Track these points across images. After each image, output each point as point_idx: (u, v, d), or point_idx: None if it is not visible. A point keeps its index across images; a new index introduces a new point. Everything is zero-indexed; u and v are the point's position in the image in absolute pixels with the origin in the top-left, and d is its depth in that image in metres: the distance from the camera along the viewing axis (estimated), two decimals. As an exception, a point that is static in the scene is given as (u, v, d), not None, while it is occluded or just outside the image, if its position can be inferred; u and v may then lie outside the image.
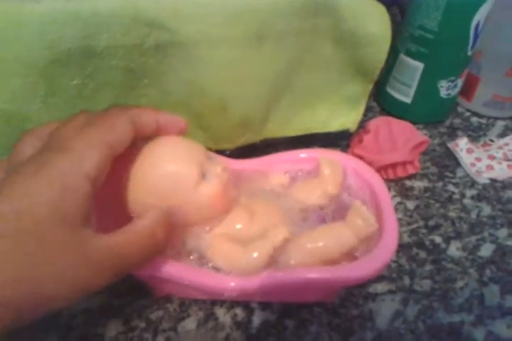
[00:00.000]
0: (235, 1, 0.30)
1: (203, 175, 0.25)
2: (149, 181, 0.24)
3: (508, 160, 0.40)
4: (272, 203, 0.29)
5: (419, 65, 0.42)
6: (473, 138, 0.43)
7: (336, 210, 0.29)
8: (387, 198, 0.28)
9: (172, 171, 0.25)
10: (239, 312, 0.29)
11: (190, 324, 0.29)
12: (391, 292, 0.30)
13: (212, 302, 0.30)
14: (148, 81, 0.33)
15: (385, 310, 0.29)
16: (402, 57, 0.43)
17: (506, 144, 0.41)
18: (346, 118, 0.40)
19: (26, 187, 0.19)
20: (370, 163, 0.38)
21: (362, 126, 0.40)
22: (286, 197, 0.30)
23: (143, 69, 0.32)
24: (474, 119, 0.46)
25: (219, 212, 0.27)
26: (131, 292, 0.30)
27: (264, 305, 0.29)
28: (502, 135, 0.43)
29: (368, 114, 0.46)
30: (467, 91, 0.46)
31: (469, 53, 0.40)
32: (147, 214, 0.23)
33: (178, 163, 0.25)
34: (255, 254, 0.25)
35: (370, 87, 0.39)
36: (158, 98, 0.34)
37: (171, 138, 0.26)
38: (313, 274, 0.24)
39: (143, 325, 0.28)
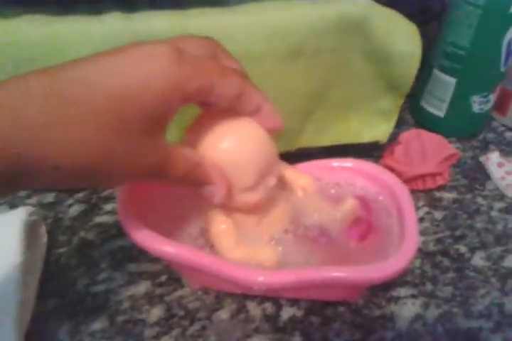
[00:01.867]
0: (273, 21, 0.33)
1: (257, 185, 0.26)
2: (214, 153, 0.25)
3: (539, 174, 0.40)
4: (287, 207, 0.30)
5: (452, 80, 0.43)
6: (506, 153, 0.44)
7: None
8: (409, 206, 0.30)
9: (237, 163, 0.25)
10: (268, 306, 0.32)
11: (223, 314, 0.31)
12: (413, 296, 0.32)
13: (244, 296, 0.32)
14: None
15: (406, 312, 0.31)
16: (436, 72, 0.44)
17: (538, 159, 0.42)
18: (378, 131, 0.42)
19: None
20: (400, 174, 0.39)
21: (395, 138, 0.42)
22: (307, 205, 0.31)
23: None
24: (508, 134, 0.46)
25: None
26: (171, 282, 0.33)
27: (292, 302, 0.32)
28: (535, 150, 0.44)
29: (403, 126, 0.47)
30: (501, 106, 0.47)
31: (502, 69, 0.42)
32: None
33: (247, 159, 0.25)
34: (239, 257, 0.27)
35: (401, 101, 0.41)
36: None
37: (258, 128, 0.26)
38: (337, 273, 0.26)
39: (182, 313, 0.31)
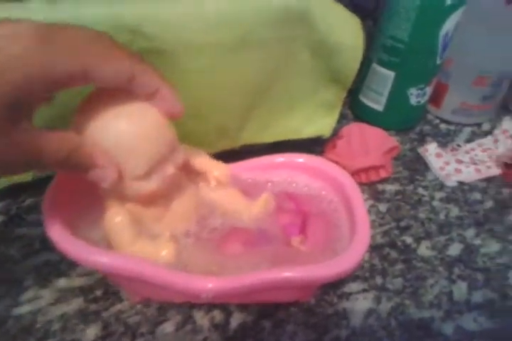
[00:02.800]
0: (217, 9, 0.31)
1: (150, 174, 0.24)
2: (101, 136, 0.23)
3: (475, 163, 0.41)
4: (195, 199, 0.29)
5: (391, 74, 0.43)
6: (442, 144, 0.45)
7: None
8: (360, 200, 0.29)
9: (126, 147, 0.23)
10: (217, 314, 0.30)
11: (168, 327, 0.29)
12: (364, 290, 0.31)
13: (190, 306, 0.30)
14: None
15: (358, 308, 0.30)
16: (375, 66, 0.44)
17: (473, 149, 0.43)
18: (321, 125, 0.41)
19: None
20: (343, 168, 0.39)
21: (335, 133, 0.41)
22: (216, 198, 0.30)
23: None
24: (443, 126, 0.48)
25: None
26: (108, 297, 0.30)
27: (242, 307, 0.30)
28: (469, 140, 0.45)
29: (342, 121, 0.47)
30: (436, 99, 0.48)
31: (438, 62, 0.42)
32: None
33: (138, 143, 0.23)
34: (138, 250, 0.25)
35: (344, 94, 0.40)
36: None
37: (155, 112, 0.24)
38: (289, 273, 0.25)
39: (121, 329, 0.29)
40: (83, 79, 0.20)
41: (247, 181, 0.32)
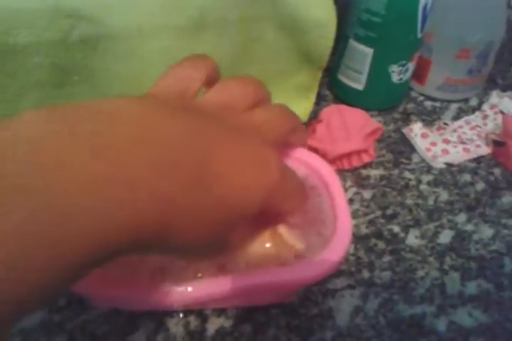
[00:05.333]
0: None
1: None
2: None
3: (463, 143, 0.39)
4: None
5: (369, 50, 0.40)
6: (428, 123, 0.42)
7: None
8: (340, 192, 0.27)
9: None
10: (192, 320, 0.27)
11: (138, 337, 0.26)
12: (350, 287, 0.29)
13: (162, 313, 0.27)
14: (79, 78, 0.31)
15: (344, 306, 0.28)
16: (351, 42, 0.41)
17: (461, 127, 0.41)
18: (297, 109, 0.38)
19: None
20: (324, 154, 0.36)
21: (314, 116, 0.39)
22: None
23: (71, 65, 0.30)
24: (428, 103, 0.45)
25: None
26: (73, 306, 0.28)
27: (219, 311, 0.28)
28: (456, 118, 0.43)
29: (321, 102, 0.44)
30: (420, 75, 0.45)
31: (419, 36, 0.40)
32: None
33: None
34: None
35: (320, 74, 0.38)
36: (91, 96, 0.31)
37: None
38: (267, 276, 0.23)
39: (87, 342, 0.26)
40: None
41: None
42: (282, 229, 0.25)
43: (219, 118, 0.20)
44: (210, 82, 0.22)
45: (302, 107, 0.38)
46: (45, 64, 0.29)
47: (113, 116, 0.15)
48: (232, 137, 0.19)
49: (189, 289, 0.23)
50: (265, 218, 0.23)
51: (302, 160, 0.30)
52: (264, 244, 0.25)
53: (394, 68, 0.41)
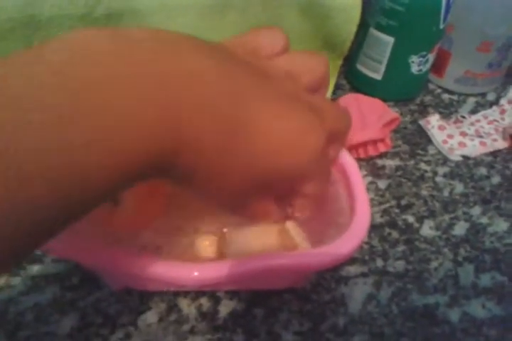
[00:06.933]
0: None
1: None
2: None
3: (480, 136, 0.39)
4: None
5: (390, 40, 0.40)
6: (445, 115, 0.42)
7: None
8: (359, 180, 0.27)
9: None
10: (204, 302, 0.27)
11: (151, 317, 0.27)
12: (364, 275, 0.29)
13: (175, 293, 0.28)
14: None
15: (357, 293, 0.28)
16: (372, 31, 0.41)
17: (478, 120, 0.40)
18: (315, 96, 0.38)
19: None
20: (340, 142, 0.36)
21: (331, 104, 0.38)
22: None
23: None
24: (445, 96, 0.45)
25: None
26: (85, 284, 0.28)
27: (232, 294, 0.28)
28: (473, 111, 0.42)
29: (338, 92, 0.44)
30: (438, 67, 0.44)
31: (441, 27, 0.39)
32: None
33: None
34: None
35: (340, 61, 0.37)
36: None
37: None
38: (282, 260, 0.23)
39: (99, 320, 0.26)
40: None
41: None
42: (290, 226, 0.25)
43: (279, 81, 0.18)
44: (281, 52, 0.20)
45: (320, 95, 0.38)
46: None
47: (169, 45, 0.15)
48: (283, 100, 0.17)
49: (203, 271, 0.23)
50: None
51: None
52: (270, 239, 0.25)
53: (414, 59, 0.41)
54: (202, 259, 0.24)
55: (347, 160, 0.28)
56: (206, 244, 0.25)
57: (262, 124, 0.16)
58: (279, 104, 0.17)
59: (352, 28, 0.33)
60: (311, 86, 0.20)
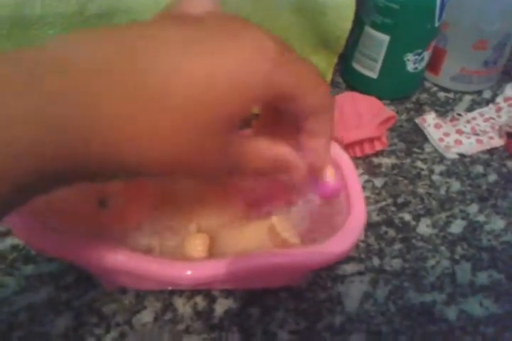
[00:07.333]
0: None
1: None
2: None
3: (477, 134, 0.39)
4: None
5: (385, 38, 0.40)
6: (441, 113, 0.42)
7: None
8: (355, 178, 0.26)
9: None
10: (199, 301, 0.27)
11: (146, 316, 0.26)
12: (360, 273, 0.29)
13: (170, 292, 0.27)
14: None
15: (354, 292, 0.28)
16: (367, 29, 0.41)
17: (474, 118, 0.40)
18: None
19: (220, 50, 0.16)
20: (336, 141, 0.36)
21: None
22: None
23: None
24: (441, 94, 0.44)
25: None
26: (80, 284, 0.27)
27: (227, 293, 0.27)
28: (469, 109, 0.42)
29: (334, 90, 0.44)
30: (434, 65, 0.44)
31: (436, 24, 0.39)
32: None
33: None
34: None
35: (335, 60, 0.37)
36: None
37: None
38: (277, 258, 0.23)
39: (94, 319, 0.26)
40: (292, 103, 0.19)
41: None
42: (276, 221, 0.25)
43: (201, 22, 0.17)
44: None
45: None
46: (59, 37, 0.29)
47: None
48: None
49: (197, 269, 0.23)
50: (287, 118, 0.20)
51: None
52: (259, 237, 0.25)
53: (409, 57, 0.41)
54: (193, 258, 0.24)
55: (342, 158, 0.28)
56: (197, 243, 0.25)
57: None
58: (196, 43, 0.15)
59: (346, 25, 0.33)
60: None
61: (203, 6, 0.18)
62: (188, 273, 0.22)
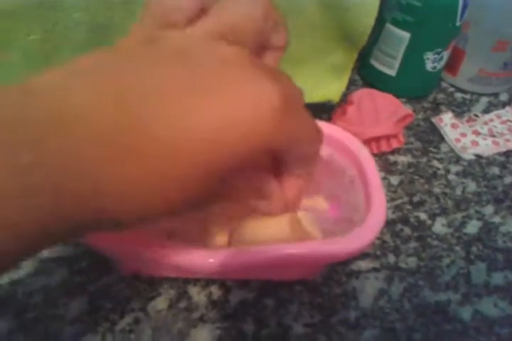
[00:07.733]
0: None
1: None
2: None
3: (493, 136, 0.39)
4: None
5: (406, 35, 0.40)
6: (457, 114, 0.42)
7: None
8: (374, 174, 0.26)
9: None
10: (214, 290, 0.27)
11: (160, 303, 0.26)
12: (375, 269, 0.29)
13: (184, 281, 0.27)
14: (117, 39, 0.30)
15: (368, 288, 0.28)
16: (388, 26, 0.40)
17: (491, 120, 0.40)
18: (330, 89, 0.37)
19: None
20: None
21: (344, 99, 0.38)
22: None
23: (110, 24, 0.29)
24: (458, 95, 0.44)
25: None
26: (95, 268, 0.27)
27: (242, 283, 0.27)
28: (486, 111, 0.42)
29: (351, 87, 0.43)
30: (452, 65, 0.44)
31: (458, 23, 0.39)
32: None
33: None
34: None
35: (355, 55, 0.37)
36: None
37: None
38: (295, 249, 0.22)
39: (109, 304, 0.26)
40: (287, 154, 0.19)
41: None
42: (302, 215, 0.25)
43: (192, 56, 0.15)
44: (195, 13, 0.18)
45: (334, 88, 0.38)
46: (84, 21, 0.28)
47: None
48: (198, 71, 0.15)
49: (218, 258, 0.23)
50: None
51: (334, 138, 0.29)
52: (281, 229, 0.25)
53: (429, 55, 0.40)
54: (213, 248, 0.24)
55: (364, 156, 0.28)
56: (218, 233, 0.25)
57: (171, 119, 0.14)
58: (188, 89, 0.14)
59: (370, 21, 0.33)
60: (254, 37, 0.17)
61: (181, 9, 0.17)
62: (210, 261, 0.22)
